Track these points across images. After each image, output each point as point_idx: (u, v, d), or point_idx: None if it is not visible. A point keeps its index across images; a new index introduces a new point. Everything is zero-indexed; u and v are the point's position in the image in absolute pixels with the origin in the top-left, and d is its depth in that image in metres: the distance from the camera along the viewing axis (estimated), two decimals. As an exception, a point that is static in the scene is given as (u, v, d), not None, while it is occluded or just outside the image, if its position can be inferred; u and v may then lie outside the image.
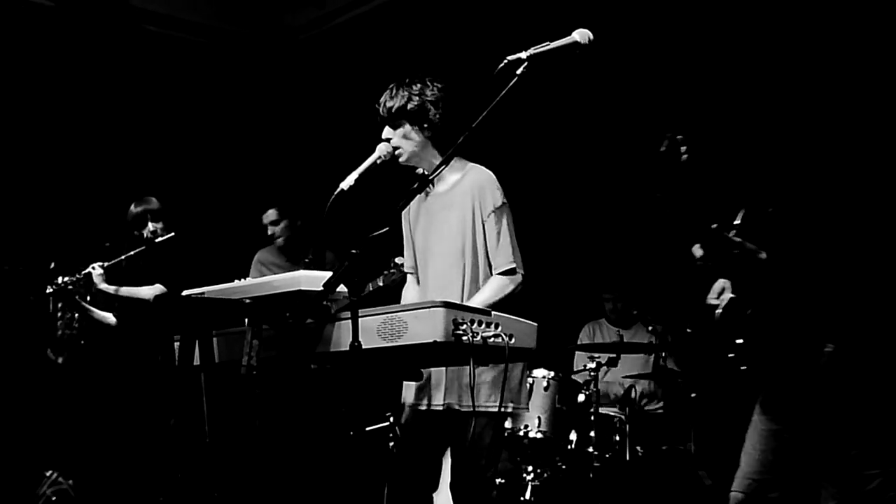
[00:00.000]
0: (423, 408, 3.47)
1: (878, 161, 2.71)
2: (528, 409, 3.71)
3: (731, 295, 2.77)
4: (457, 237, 3.48)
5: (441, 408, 3.41)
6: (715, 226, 2.54)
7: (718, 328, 2.79)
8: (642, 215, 5.78)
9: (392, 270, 3.07)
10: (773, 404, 2.77)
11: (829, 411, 2.65)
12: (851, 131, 2.77)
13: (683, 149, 2.55)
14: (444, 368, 3.41)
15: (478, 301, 3.31)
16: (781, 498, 2.74)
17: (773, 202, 2.64)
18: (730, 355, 2.76)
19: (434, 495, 3.65)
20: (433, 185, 3.57)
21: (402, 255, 3.10)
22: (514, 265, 3.42)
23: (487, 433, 3.41)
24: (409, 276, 3.71)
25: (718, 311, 2.78)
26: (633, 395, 5.42)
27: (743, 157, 2.73)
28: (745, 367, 2.74)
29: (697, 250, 2.76)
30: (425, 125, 3.48)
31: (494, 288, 3.39)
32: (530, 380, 5.02)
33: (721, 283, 2.84)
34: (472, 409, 3.18)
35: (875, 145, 2.73)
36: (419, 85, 3.49)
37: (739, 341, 2.75)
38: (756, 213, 2.66)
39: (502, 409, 3.34)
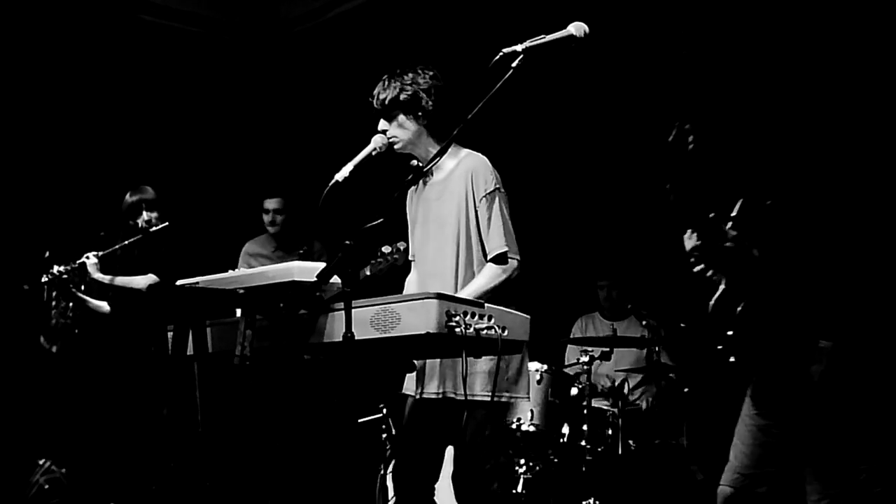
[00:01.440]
0: (418, 396, 3.48)
1: (877, 157, 2.71)
2: (528, 398, 3.70)
3: (722, 287, 2.76)
4: (451, 223, 3.50)
5: (436, 396, 3.42)
6: (712, 215, 2.54)
7: (709, 321, 2.79)
8: (647, 205, 5.79)
9: (379, 259, 3.07)
10: (763, 398, 2.77)
11: (819, 406, 2.65)
12: (852, 126, 2.77)
13: (691, 138, 2.55)
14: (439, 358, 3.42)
15: (470, 290, 3.32)
16: (769, 492, 2.74)
17: (771, 195, 2.62)
18: (718, 347, 2.76)
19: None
20: (431, 174, 3.59)
21: (390, 245, 3.11)
22: (505, 250, 3.40)
23: (488, 424, 3.42)
24: (412, 264, 3.73)
25: (713, 301, 2.78)
26: (625, 388, 5.43)
27: (742, 150, 2.71)
28: (733, 360, 2.74)
29: (689, 240, 2.75)
30: (419, 113, 3.49)
31: (487, 277, 3.39)
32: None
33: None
34: (469, 400, 3.20)
35: (874, 140, 2.73)
36: (411, 74, 3.50)
37: (729, 333, 2.74)
38: (754, 205, 2.65)
39: (496, 399, 3.34)
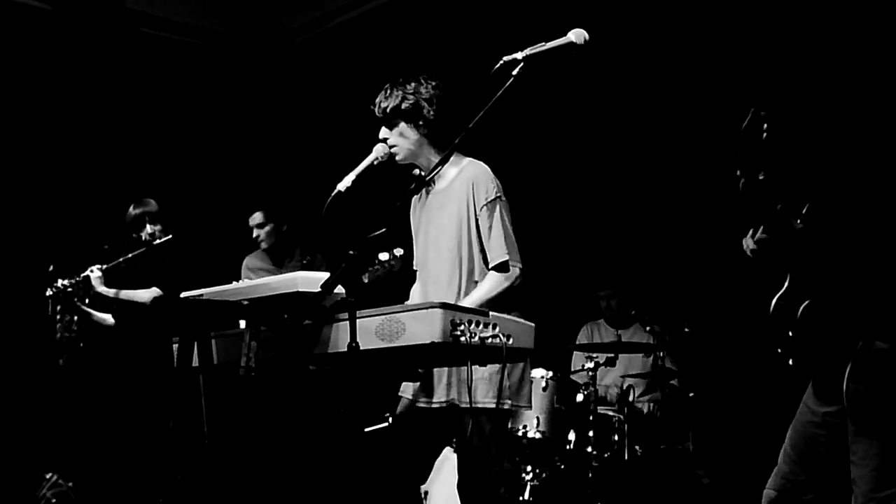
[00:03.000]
0: (423, 405, 3.48)
1: None
2: (530, 406, 3.70)
3: (786, 285, 2.70)
4: (453, 232, 3.50)
5: (443, 405, 3.42)
6: (780, 207, 2.49)
7: (770, 320, 2.73)
8: (649, 211, 5.78)
9: (376, 266, 3.07)
10: (822, 396, 2.70)
11: (872, 410, 2.58)
12: None
13: (765, 126, 2.51)
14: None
15: (472, 299, 3.32)
16: (816, 500, 2.70)
17: (838, 196, 2.58)
18: (778, 350, 2.70)
19: (433, 492, 3.66)
20: (434, 184, 3.60)
21: (387, 252, 3.12)
22: (507, 258, 3.40)
23: (490, 431, 3.42)
24: (417, 273, 3.73)
25: (776, 300, 2.71)
26: (630, 395, 5.42)
27: (813, 144, 2.66)
28: (792, 362, 2.69)
29: (749, 241, 2.70)
30: (421, 122, 3.50)
31: (488, 285, 3.39)
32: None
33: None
34: (470, 407, 3.20)
35: None
36: (413, 84, 3.51)
37: (790, 334, 2.69)
38: (823, 201, 2.61)
39: (500, 406, 3.34)
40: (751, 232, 2.73)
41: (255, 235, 6.02)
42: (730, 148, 2.53)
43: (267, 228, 5.98)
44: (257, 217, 6.00)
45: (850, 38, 4.21)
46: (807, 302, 2.63)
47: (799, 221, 2.60)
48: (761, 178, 2.47)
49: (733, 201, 2.57)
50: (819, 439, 2.73)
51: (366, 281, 3.02)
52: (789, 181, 2.59)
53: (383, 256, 3.05)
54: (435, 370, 3.45)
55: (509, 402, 3.45)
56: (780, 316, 2.72)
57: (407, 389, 3.58)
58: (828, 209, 2.57)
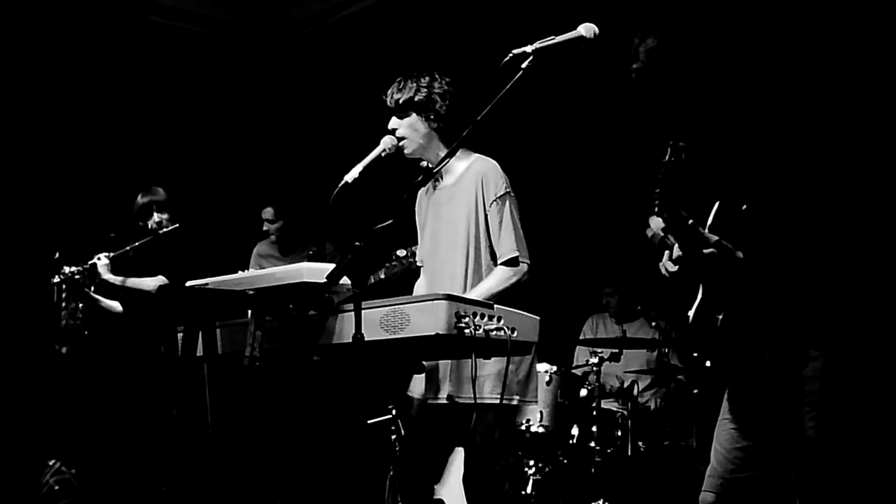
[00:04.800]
0: (430, 401, 3.48)
1: (869, 156, 2.64)
2: (536, 401, 3.70)
3: (700, 297, 2.70)
4: (461, 227, 3.50)
5: (446, 401, 3.42)
6: (691, 221, 2.49)
7: (689, 332, 2.74)
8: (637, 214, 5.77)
9: (393, 262, 3.07)
10: (739, 409, 2.69)
11: (808, 416, 2.53)
12: (842, 123, 2.70)
13: (684, 156, 2.52)
14: (449, 361, 3.42)
15: (479, 291, 3.32)
16: (750, 497, 2.67)
17: (747, 199, 2.56)
18: (694, 354, 2.72)
19: (441, 487, 3.66)
20: (441, 178, 3.60)
21: (404, 248, 3.13)
22: (516, 254, 3.41)
23: (498, 426, 3.42)
24: (422, 267, 3.73)
25: (692, 312, 2.71)
26: (634, 390, 5.42)
27: (724, 154, 2.65)
28: (709, 364, 2.70)
29: (668, 264, 2.72)
30: (432, 116, 3.51)
31: (497, 279, 3.39)
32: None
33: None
34: (475, 402, 3.20)
35: (867, 139, 2.66)
36: (427, 78, 3.53)
37: (706, 341, 2.69)
38: (730, 210, 2.60)
39: (506, 402, 3.34)
40: (665, 255, 2.74)
41: (265, 229, 6.05)
42: (653, 182, 2.54)
43: (277, 224, 6.01)
44: (268, 212, 6.03)
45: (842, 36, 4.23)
46: (722, 314, 2.61)
47: (710, 229, 2.58)
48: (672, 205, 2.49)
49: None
50: (746, 435, 2.68)
51: (383, 277, 3.02)
52: (702, 196, 2.60)
53: (401, 252, 3.06)
54: (441, 366, 3.45)
55: (517, 397, 3.46)
56: (697, 326, 2.71)
57: (415, 388, 3.58)
58: (739, 216, 2.55)
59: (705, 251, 2.49)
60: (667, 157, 2.52)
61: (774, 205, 2.49)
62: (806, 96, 2.60)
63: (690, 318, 2.71)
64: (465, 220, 3.50)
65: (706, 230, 2.56)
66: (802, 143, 2.51)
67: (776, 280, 2.50)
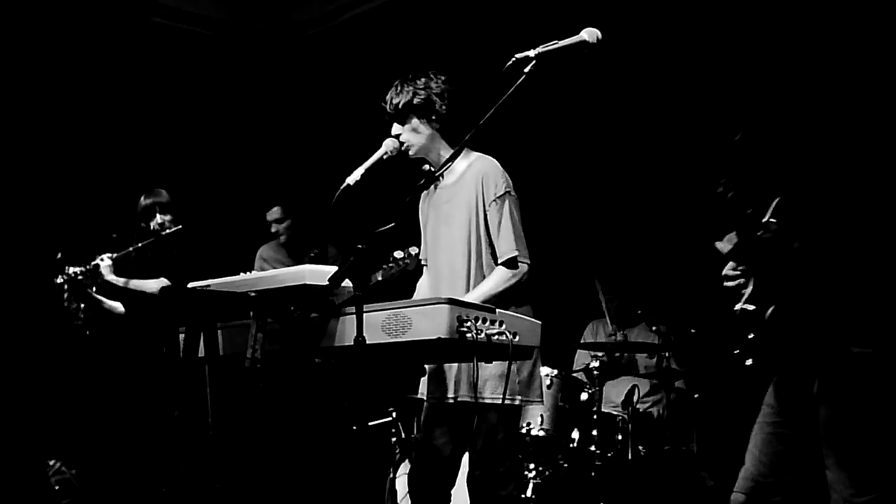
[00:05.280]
0: (436, 401, 3.48)
1: None
2: (541, 401, 3.70)
3: (751, 288, 2.66)
4: (462, 227, 3.51)
5: (452, 400, 3.42)
6: (750, 211, 2.47)
7: (733, 324, 2.70)
8: (658, 211, 5.76)
9: (391, 265, 3.07)
10: (785, 404, 2.67)
11: (849, 415, 2.54)
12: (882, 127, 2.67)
13: (754, 141, 2.50)
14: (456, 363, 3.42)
15: (479, 292, 3.33)
16: (784, 502, 2.66)
17: (807, 194, 2.53)
18: (735, 351, 2.68)
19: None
20: (442, 177, 3.60)
21: (402, 250, 3.13)
22: (515, 254, 3.42)
23: (501, 427, 3.42)
24: (424, 268, 3.73)
25: (741, 305, 2.67)
26: (635, 395, 5.41)
27: (790, 148, 2.61)
28: (750, 363, 2.66)
29: (723, 245, 2.68)
30: (433, 117, 3.51)
31: (495, 280, 3.40)
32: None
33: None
34: (481, 403, 3.20)
35: None
36: (424, 79, 3.53)
37: (751, 336, 2.65)
38: (796, 200, 2.57)
39: (507, 402, 3.34)
40: (724, 239, 2.71)
41: (273, 230, 6.05)
42: (721, 159, 2.53)
43: (286, 223, 6.01)
44: (275, 212, 6.03)
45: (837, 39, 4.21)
46: (773, 306, 2.59)
47: (771, 218, 2.55)
48: (738, 186, 2.47)
49: (711, 206, 2.56)
50: (784, 440, 2.68)
51: (380, 279, 3.02)
52: (764, 186, 2.57)
53: (398, 254, 3.06)
54: (445, 368, 3.46)
55: (520, 398, 3.46)
56: (746, 320, 2.68)
57: (423, 390, 3.58)
58: (802, 209, 2.52)
59: (762, 235, 2.47)
60: (738, 137, 2.50)
61: (833, 199, 2.48)
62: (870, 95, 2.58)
63: (738, 310, 2.68)
64: (466, 220, 3.50)
65: (768, 218, 2.53)
66: (862, 147, 2.51)
67: (832, 275, 2.49)
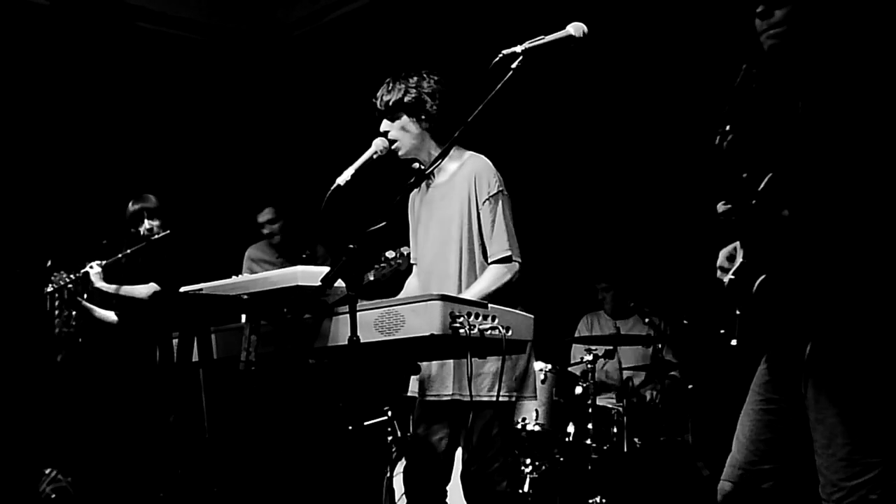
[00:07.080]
0: (431, 399, 3.48)
1: None
2: (535, 397, 3.71)
3: (740, 261, 2.57)
4: (454, 225, 3.50)
5: (447, 398, 3.42)
6: (745, 175, 2.42)
7: (726, 297, 2.63)
8: (649, 204, 5.75)
9: (382, 265, 3.07)
10: (772, 385, 2.60)
11: (838, 394, 2.43)
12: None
13: (755, 85, 2.45)
14: (450, 360, 3.42)
15: (473, 292, 3.32)
16: (774, 488, 2.60)
17: (801, 167, 2.47)
18: (721, 330, 2.62)
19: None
20: (434, 176, 3.60)
21: (394, 250, 3.13)
22: (509, 253, 3.42)
23: (495, 423, 3.42)
24: (413, 266, 3.73)
25: (730, 276, 2.58)
26: (629, 386, 5.43)
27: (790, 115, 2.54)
28: (735, 343, 2.59)
29: (722, 205, 2.60)
30: (423, 116, 3.51)
31: (490, 278, 3.40)
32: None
33: (728, 249, 2.66)
34: (476, 400, 3.20)
35: None
36: (416, 77, 3.52)
37: (737, 313, 2.56)
38: (781, 181, 2.50)
39: (501, 398, 3.34)
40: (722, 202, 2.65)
41: (266, 231, 6.04)
42: (723, 104, 2.48)
43: (278, 224, 6.01)
44: (267, 213, 6.02)
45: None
46: (762, 277, 2.49)
47: (763, 188, 2.44)
48: (736, 137, 2.41)
49: (707, 162, 2.49)
50: (772, 425, 2.61)
51: (372, 279, 3.02)
52: (760, 149, 2.50)
53: (390, 254, 3.06)
54: (436, 366, 3.46)
55: (515, 394, 3.46)
56: (734, 293, 2.59)
57: (415, 388, 3.58)
58: (798, 177, 2.44)
59: (752, 202, 2.42)
60: (738, 81, 2.46)
61: (826, 174, 2.41)
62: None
63: (727, 283, 2.60)
64: (459, 219, 3.50)
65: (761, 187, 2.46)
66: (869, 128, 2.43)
67: (822, 241, 2.40)
